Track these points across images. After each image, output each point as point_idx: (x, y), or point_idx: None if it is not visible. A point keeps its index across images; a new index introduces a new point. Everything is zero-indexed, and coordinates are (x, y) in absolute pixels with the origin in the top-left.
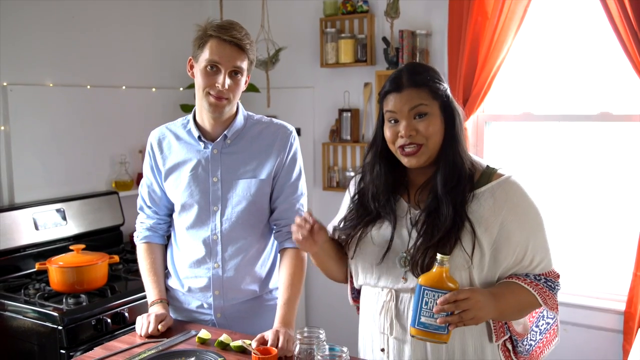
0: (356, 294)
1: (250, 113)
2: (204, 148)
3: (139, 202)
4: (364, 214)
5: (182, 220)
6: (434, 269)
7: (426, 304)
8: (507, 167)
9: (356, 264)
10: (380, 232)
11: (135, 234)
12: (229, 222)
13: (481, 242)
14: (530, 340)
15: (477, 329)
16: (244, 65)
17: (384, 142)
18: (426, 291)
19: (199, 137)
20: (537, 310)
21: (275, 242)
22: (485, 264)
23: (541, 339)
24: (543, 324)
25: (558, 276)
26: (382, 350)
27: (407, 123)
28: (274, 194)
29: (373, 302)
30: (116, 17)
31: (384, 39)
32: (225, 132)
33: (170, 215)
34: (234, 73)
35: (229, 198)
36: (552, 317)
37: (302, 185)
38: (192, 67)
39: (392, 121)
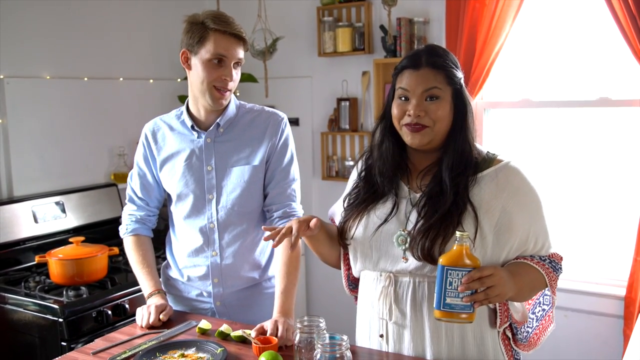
0: (352, 284)
1: (242, 102)
2: (198, 137)
3: (128, 193)
4: (369, 190)
5: (178, 211)
6: (454, 247)
7: (450, 284)
8: (506, 153)
9: (355, 246)
10: (382, 211)
11: (121, 227)
12: (225, 209)
13: (482, 225)
14: (527, 327)
15: (478, 314)
16: (243, 55)
17: (392, 118)
18: (449, 271)
19: (192, 127)
20: (533, 297)
21: None
22: (487, 246)
23: (538, 326)
24: (539, 311)
25: (561, 258)
26: (381, 336)
27: (418, 103)
28: (266, 179)
29: (372, 288)
30: (113, 8)
31: (382, 27)
32: (218, 121)
33: (159, 208)
34: (236, 65)
35: (224, 186)
36: (548, 303)
37: (295, 171)
38: (187, 59)
39: (403, 98)
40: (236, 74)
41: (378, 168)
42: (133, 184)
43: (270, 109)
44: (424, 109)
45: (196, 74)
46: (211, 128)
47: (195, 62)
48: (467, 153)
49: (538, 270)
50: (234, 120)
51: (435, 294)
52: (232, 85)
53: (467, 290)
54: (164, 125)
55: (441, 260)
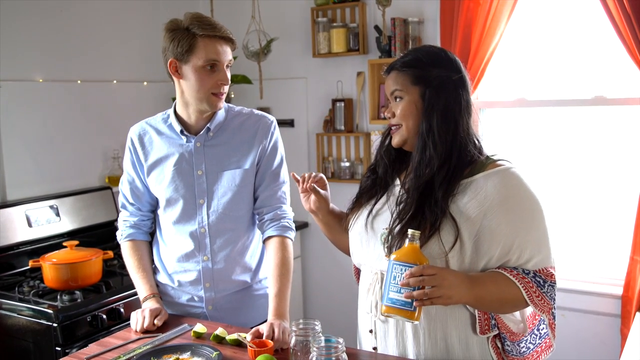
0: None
1: (231, 105)
2: (187, 142)
3: (121, 199)
4: (370, 185)
5: (167, 216)
6: (405, 244)
7: (394, 278)
8: (509, 159)
9: (351, 239)
10: (375, 207)
11: (118, 233)
12: (216, 214)
13: (461, 233)
14: (529, 343)
15: (462, 319)
16: (232, 56)
17: None
18: (395, 265)
19: (181, 131)
20: (538, 313)
21: None
22: (466, 254)
23: (540, 344)
24: (544, 328)
25: (552, 275)
26: (370, 331)
27: (390, 105)
28: (257, 182)
29: (364, 283)
30: (106, 10)
31: (376, 28)
32: (208, 125)
33: (153, 212)
34: (227, 66)
35: (215, 190)
36: (546, 321)
37: (284, 174)
38: (176, 69)
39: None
40: (229, 75)
41: (382, 165)
42: (124, 190)
43: (259, 112)
44: (391, 110)
45: (190, 83)
46: (201, 132)
47: (187, 70)
48: (429, 154)
49: (514, 283)
50: (223, 124)
51: (383, 289)
52: (227, 87)
53: (406, 286)
54: (150, 129)
55: (391, 256)
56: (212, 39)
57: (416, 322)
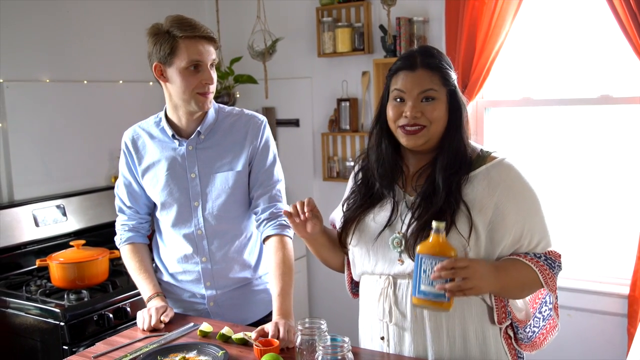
0: (355, 288)
1: (221, 105)
2: (179, 145)
3: (117, 204)
4: (366, 194)
5: (165, 218)
6: (431, 238)
7: (424, 271)
8: (501, 150)
9: (353, 250)
10: (380, 215)
11: (117, 238)
12: (211, 216)
13: (476, 224)
14: (534, 327)
15: (478, 312)
16: (216, 55)
17: (387, 119)
18: (424, 259)
19: (173, 135)
20: (539, 296)
21: None
22: (481, 245)
23: (544, 326)
24: (546, 310)
25: (559, 256)
26: (382, 338)
27: (414, 104)
28: (251, 182)
29: (372, 290)
30: (111, 11)
31: (381, 27)
32: (198, 129)
33: (150, 214)
34: (211, 65)
35: (209, 192)
36: (553, 303)
37: (278, 172)
38: (161, 72)
39: (398, 100)
40: (214, 74)
41: (377, 171)
42: (120, 194)
43: (250, 112)
44: (420, 110)
45: (175, 85)
46: (192, 136)
47: (172, 73)
48: (462, 152)
49: (530, 267)
50: (214, 126)
51: (412, 281)
52: (213, 87)
53: (438, 279)
54: (143, 133)
55: (417, 249)
56: (193, 40)
57: (449, 311)
